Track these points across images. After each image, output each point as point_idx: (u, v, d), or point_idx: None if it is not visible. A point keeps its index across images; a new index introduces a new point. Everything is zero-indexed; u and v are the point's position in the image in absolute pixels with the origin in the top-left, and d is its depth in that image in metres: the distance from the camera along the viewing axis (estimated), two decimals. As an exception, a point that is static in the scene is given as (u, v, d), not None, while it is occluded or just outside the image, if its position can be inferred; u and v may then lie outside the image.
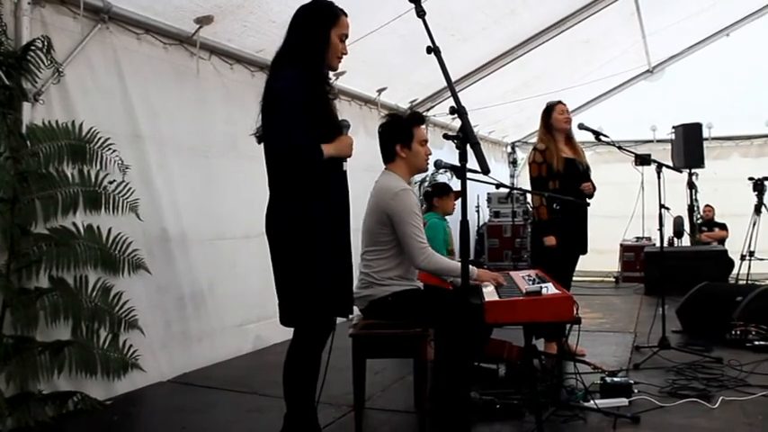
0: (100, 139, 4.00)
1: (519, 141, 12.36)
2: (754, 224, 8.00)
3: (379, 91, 7.39)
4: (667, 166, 5.20)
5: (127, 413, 3.91)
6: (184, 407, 4.03)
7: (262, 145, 2.93)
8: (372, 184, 3.65)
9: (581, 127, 5.03)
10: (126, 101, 4.43)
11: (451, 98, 2.37)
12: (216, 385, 4.45)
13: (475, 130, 9.70)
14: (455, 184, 3.24)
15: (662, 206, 5.23)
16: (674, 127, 8.77)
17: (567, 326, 4.19)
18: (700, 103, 9.72)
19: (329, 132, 2.85)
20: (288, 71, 2.81)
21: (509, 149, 12.47)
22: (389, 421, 3.73)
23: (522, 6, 6.75)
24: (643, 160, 5.53)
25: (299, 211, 2.79)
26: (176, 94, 4.85)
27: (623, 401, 3.78)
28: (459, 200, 2.42)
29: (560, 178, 4.92)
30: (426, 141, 3.70)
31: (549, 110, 5.12)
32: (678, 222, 8.93)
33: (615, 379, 4.01)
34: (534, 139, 5.82)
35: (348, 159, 2.97)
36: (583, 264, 5.39)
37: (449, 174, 6.88)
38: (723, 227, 9.79)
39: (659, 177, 5.08)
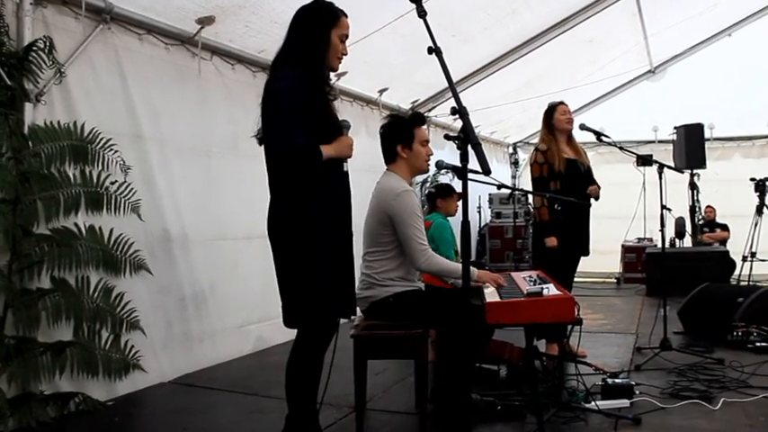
0: (101, 139, 4.01)
1: (521, 142, 12.36)
2: (756, 225, 8.00)
3: (381, 91, 7.39)
4: (669, 167, 5.20)
5: (128, 414, 3.91)
6: (185, 408, 4.03)
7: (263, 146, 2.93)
8: (374, 184, 3.65)
9: (582, 127, 5.03)
10: (127, 101, 4.43)
11: (453, 99, 2.37)
12: (217, 386, 4.45)
13: (476, 130, 9.76)
14: (457, 185, 3.24)
15: (663, 207, 5.22)
16: (675, 127, 8.76)
17: (569, 327, 4.19)
18: (701, 103, 9.70)
19: (329, 133, 2.85)
20: (287, 72, 2.81)
21: (511, 150, 12.46)
22: (390, 422, 3.73)
23: (523, 6, 6.75)
24: (645, 161, 5.53)
25: (298, 211, 2.79)
26: (178, 95, 4.86)
27: (624, 403, 3.77)
28: (461, 201, 2.42)
29: (562, 179, 4.92)
30: (427, 142, 3.70)
31: (551, 110, 5.11)
32: (680, 223, 8.92)
33: (616, 380, 4.00)
34: (536, 140, 5.81)
35: (349, 160, 2.97)
36: (584, 265, 5.38)
37: (450, 174, 6.88)
38: (725, 228, 9.78)
39: (661, 178, 5.07)
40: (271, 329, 5.29)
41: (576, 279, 5.34)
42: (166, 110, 4.72)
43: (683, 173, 6.07)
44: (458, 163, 2.40)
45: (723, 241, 9.53)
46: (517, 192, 7.75)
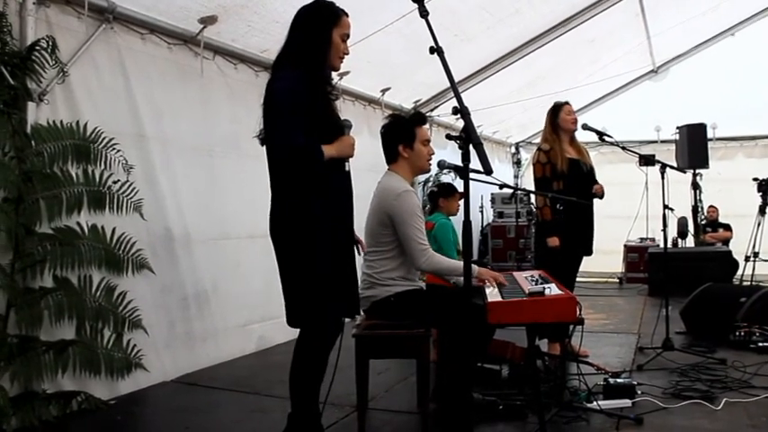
0: (104, 138, 4.01)
1: (523, 142, 12.35)
2: (759, 225, 7.99)
3: (383, 91, 7.39)
4: (671, 167, 5.19)
5: (130, 413, 3.92)
6: (188, 407, 4.04)
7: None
8: (376, 184, 3.65)
9: (585, 127, 5.02)
10: (130, 101, 4.44)
11: (455, 98, 2.37)
12: (219, 385, 4.45)
13: (479, 130, 9.63)
14: (459, 185, 3.24)
15: (666, 207, 5.22)
16: (678, 127, 8.76)
17: (571, 327, 4.19)
18: (704, 103, 9.69)
19: (331, 133, 2.85)
20: (288, 72, 2.82)
21: (513, 150, 12.45)
22: (392, 422, 3.73)
23: (526, 6, 6.74)
24: (647, 161, 5.52)
25: (298, 211, 2.80)
26: (180, 94, 4.86)
27: (626, 403, 3.77)
28: (462, 200, 2.42)
29: (564, 179, 4.92)
30: (429, 141, 3.70)
31: (557, 110, 5.11)
32: (682, 223, 8.91)
33: (618, 380, 4.00)
34: (538, 140, 5.80)
35: (351, 159, 2.97)
36: (587, 264, 5.38)
37: (453, 174, 6.88)
38: (727, 227, 9.76)
39: (663, 178, 5.07)
40: (273, 329, 5.30)
41: (578, 279, 5.33)
42: (169, 109, 4.72)
43: (685, 173, 6.07)
44: (460, 162, 2.40)
45: (726, 241, 9.51)
46: (519, 191, 7.72)
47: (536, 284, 3.32)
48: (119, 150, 4.07)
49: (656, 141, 10.65)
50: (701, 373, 4.38)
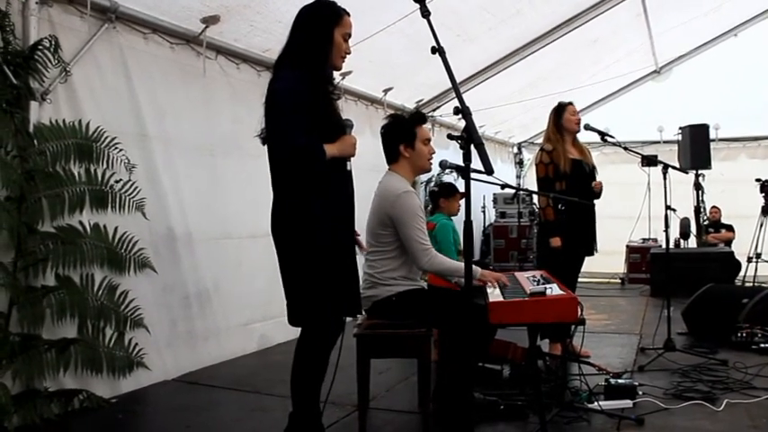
0: (106, 138, 4.02)
1: (525, 142, 12.34)
2: (761, 226, 7.98)
3: (385, 91, 7.39)
4: (673, 167, 5.19)
5: (132, 411, 3.93)
6: (189, 405, 4.04)
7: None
8: (377, 184, 3.65)
9: (587, 127, 5.02)
10: (132, 100, 4.45)
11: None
12: (220, 384, 4.46)
13: (481, 130, 9.68)
14: (461, 185, 3.24)
15: (668, 207, 5.22)
16: (680, 128, 8.75)
17: (572, 327, 4.19)
18: (707, 103, 9.67)
19: (332, 132, 2.86)
20: (290, 72, 2.82)
21: (515, 150, 12.44)
22: (393, 421, 3.74)
23: (528, 6, 6.74)
24: (649, 161, 5.52)
25: (298, 210, 2.80)
26: (183, 94, 4.87)
27: (627, 403, 3.77)
28: (464, 200, 2.43)
29: (567, 179, 4.92)
30: (429, 140, 3.70)
31: (561, 110, 5.10)
32: (684, 224, 8.90)
33: (620, 381, 4.00)
34: (540, 140, 5.80)
35: (352, 159, 2.98)
36: (589, 265, 5.38)
37: (455, 174, 6.88)
38: (730, 228, 9.75)
39: (665, 178, 5.06)
40: (275, 328, 5.31)
41: (580, 279, 5.33)
42: (171, 109, 4.73)
43: (687, 173, 6.07)
44: (461, 162, 2.40)
45: (728, 242, 9.50)
46: (521, 192, 7.73)
47: (537, 284, 3.32)
48: (121, 150, 4.07)
49: (658, 142, 10.64)
50: (703, 374, 4.38)
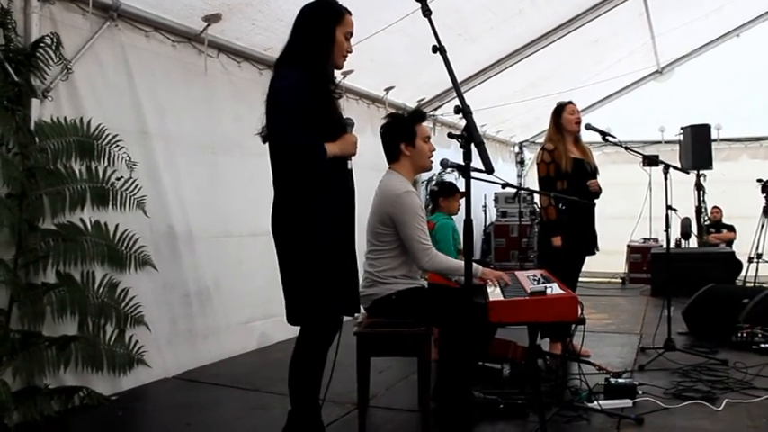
0: (108, 135, 4.02)
1: (526, 141, 12.34)
2: (763, 226, 7.98)
3: (387, 90, 7.39)
4: (674, 167, 5.19)
5: (132, 408, 3.93)
6: (189, 403, 4.05)
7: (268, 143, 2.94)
8: (378, 183, 3.66)
9: (588, 127, 5.02)
10: (134, 98, 4.45)
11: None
12: (220, 382, 4.47)
13: (482, 129, 9.75)
14: (462, 183, 3.25)
15: (669, 207, 5.22)
16: (682, 128, 8.74)
17: (572, 326, 4.19)
18: (709, 104, 9.67)
19: (333, 131, 2.86)
20: (291, 70, 2.82)
21: (516, 149, 12.44)
22: (393, 420, 3.74)
23: (530, 6, 6.74)
24: (651, 161, 5.51)
25: (298, 210, 2.80)
26: (184, 92, 4.87)
27: (627, 403, 3.77)
28: (464, 199, 2.43)
29: (568, 178, 4.92)
30: (429, 138, 3.71)
31: (560, 110, 5.10)
32: (685, 224, 8.90)
33: (619, 380, 4.00)
34: (542, 140, 5.80)
35: (354, 158, 2.98)
36: (590, 264, 5.38)
37: (456, 173, 6.88)
38: (731, 229, 9.75)
39: (666, 178, 5.06)
40: (275, 326, 5.31)
41: (581, 279, 5.33)
42: (172, 107, 4.73)
43: (688, 173, 6.07)
44: (462, 161, 2.41)
45: (729, 242, 9.50)
46: (523, 191, 7.73)
47: (538, 284, 3.32)
48: (122, 147, 4.08)
49: (659, 142, 10.64)
50: (703, 374, 4.39)
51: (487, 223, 10.78)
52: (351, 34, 2.97)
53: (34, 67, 3.65)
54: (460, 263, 3.40)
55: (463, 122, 2.34)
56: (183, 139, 4.83)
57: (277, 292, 2.94)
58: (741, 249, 8.46)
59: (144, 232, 4.31)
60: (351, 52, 3.00)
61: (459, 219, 4.99)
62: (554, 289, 3.19)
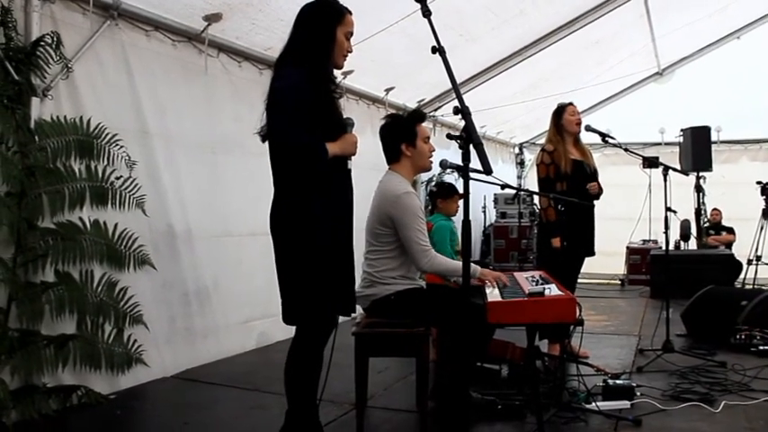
0: (107, 134, 4.02)
1: (527, 142, 12.34)
2: (762, 228, 7.98)
3: (387, 90, 7.39)
4: (674, 169, 5.18)
5: (130, 408, 3.93)
6: (187, 402, 4.05)
7: (268, 143, 2.93)
8: (378, 183, 3.66)
9: (588, 129, 5.02)
10: (134, 97, 4.45)
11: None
12: (219, 382, 4.46)
13: (483, 130, 9.77)
14: (461, 184, 3.25)
15: (668, 209, 5.22)
16: (682, 130, 8.75)
17: (571, 327, 4.19)
18: (709, 106, 9.67)
19: (334, 131, 2.85)
20: (290, 70, 2.82)
21: (516, 150, 12.44)
22: (391, 420, 3.74)
23: (531, 7, 6.74)
24: (650, 163, 5.51)
25: (299, 209, 2.79)
26: (184, 91, 4.88)
27: (625, 404, 3.77)
28: (463, 200, 2.43)
29: (568, 180, 4.92)
30: (429, 138, 3.71)
31: (560, 111, 5.10)
32: (685, 226, 8.91)
33: (618, 381, 4.00)
34: (542, 141, 5.81)
35: (353, 158, 2.97)
36: (589, 266, 5.39)
37: (456, 173, 6.88)
38: (730, 231, 9.75)
39: (665, 180, 5.06)
40: (274, 326, 5.29)
41: (580, 280, 5.34)
42: (173, 106, 4.74)
43: (687, 175, 6.06)
44: (461, 162, 2.41)
45: (729, 244, 9.50)
46: (522, 192, 7.74)
47: (536, 285, 3.32)
48: (122, 146, 4.08)
49: (660, 144, 10.64)
50: (701, 376, 4.39)
51: (487, 224, 10.78)
52: (351, 34, 2.96)
53: (34, 66, 3.65)
54: (459, 264, 3.40)
55: (463, 123, 2.34)
56: (183, 139, 4.83)
57: (276, 291, 2.93)
58: (741, 251, 8.47)
59: (143, 231, 4.31)
60: (351, 52, 3.00)
61: (458, 219, 4.99)
62: (552, 290, 3.19)
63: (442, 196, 5.42)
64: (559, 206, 4.86)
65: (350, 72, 6.06)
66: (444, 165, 3.45)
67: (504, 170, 11.54)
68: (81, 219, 3.96)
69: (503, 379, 4.25)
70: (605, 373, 4.33)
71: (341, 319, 2.98)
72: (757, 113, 9.87)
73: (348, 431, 3.46)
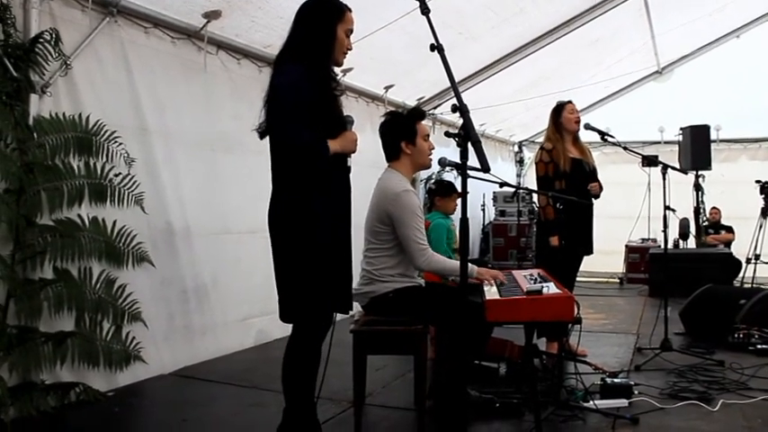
0: (106, 131, 4.02)
1: (526, 141, 12.34)
2: (761, 227, 7.98)
3: (387, 88, 7.39)
4: (673, 168, 5.18)
5: (128, 405, 3.94)
6: (185, 400, 4.06)
7: (267, 140, 2.93)
8: (377, 181, 3.65)
9: (587, 127, 5.02)
10: (133, 94, 4.45)
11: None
12: (217, 379, 4.47)
13: (482, 128, 9.77)
14: (459, 183, 3.26)
15: (667, 208, 5.22)
16: (681, 128, 8.74)
17: (569, 326, 4.19)
18: (708, 104, 9.68)
19: (333, 128, 2.85)
20: (291, 67, 2.81)
21: (516, 148, 12.44)
22: (389, 418, 3.75)
23: (530, 5, 6.73)
24: (650, 161, 5.50)
25: (299, 207, 2.79)
26: (183, 89, 4.87)
27: (623, 402, 3.78)
28: (461, 198, 2.43)
29: (567, 178, 4.91)
30: (428, 136, 3.71)
31: (559, 109, 5.10)
32: (684, 224, 8.91)
33: (615, 380, 4.01)
34: (541, 139, 5.80)
35: (353, 156, 2.97)
36: (588, 264, 5.38)
37: (455, 171, 6.87)
38: (730, 230, 9.74)
39: (664, 179, 5.06)
40: (272, 323, 5.28)
41: (579, 278, 5.34)
42: (172, 103, 4.73)
43: (686, 174, 6.06)
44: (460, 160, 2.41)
45: (728, 243, 9.50)
46: (521, 190, 7.73)
47: (534, 283, 3.32)
48: (121, 143, 4.08)
49: (659, 142, 10.63)
50: (699, 375, 4.39)
51: (486, 222, 10.78)
52: (351, 31, 2.96)
53: (33, 63, 3.65)
54: (456, 263, 3.40)
55: (461, 121, 2.33)
56: (182, 136, 4.82)
57: (275, 289, 2.94)
58: (739, 250, 8.47)
59: (142, 229, 4.31)
60: (351, 49, 2.99)
61: (457, 217, 4.99)
62: (551, 288, 3.19)
63: (440, 194, 5.41)
64: (558, 204, 4.86)
65: (349, 70, 6.05)
66: (443, 162, 3.46)
67: (504, 168, 11.53)
68: (80, 216, 3.96)
69: (501, 377, 4.24)
70: (603, 372, 4.34)
71: (339, 316, 2.98)
72: (757, 112, 9.87)
73: (346, 429, 3.46)
